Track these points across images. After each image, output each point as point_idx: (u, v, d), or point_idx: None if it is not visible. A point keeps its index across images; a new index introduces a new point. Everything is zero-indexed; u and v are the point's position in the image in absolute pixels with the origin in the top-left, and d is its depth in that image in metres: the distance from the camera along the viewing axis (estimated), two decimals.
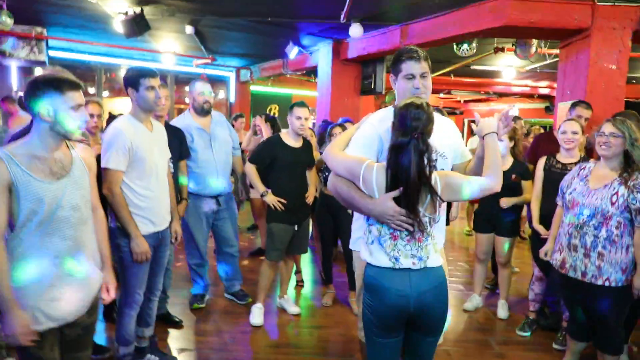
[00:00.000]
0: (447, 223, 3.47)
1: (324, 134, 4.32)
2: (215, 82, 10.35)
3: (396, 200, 1.79)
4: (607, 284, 2.54)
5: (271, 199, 3.54)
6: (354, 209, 2.03)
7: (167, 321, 3.52)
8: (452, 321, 3.91)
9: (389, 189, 1.81)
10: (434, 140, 1.95)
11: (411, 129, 1.76)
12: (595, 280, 2.56)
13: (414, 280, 1.84)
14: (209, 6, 5.40)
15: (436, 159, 1.99)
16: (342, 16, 5.08)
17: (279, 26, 6.12)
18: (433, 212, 1.83)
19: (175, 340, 3.39)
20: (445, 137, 2.11)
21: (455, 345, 3.44)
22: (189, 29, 6.28)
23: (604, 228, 2.55)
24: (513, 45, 5.89)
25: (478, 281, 4.12)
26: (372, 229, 1.90)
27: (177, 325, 3.53)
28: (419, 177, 1.76)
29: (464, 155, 2.22)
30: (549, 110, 12.23)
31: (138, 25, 5.32)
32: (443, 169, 2.03)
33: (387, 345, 1.93)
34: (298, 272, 4.59)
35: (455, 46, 5.96)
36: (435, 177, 1.82)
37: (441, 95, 12.58)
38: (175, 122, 3.73)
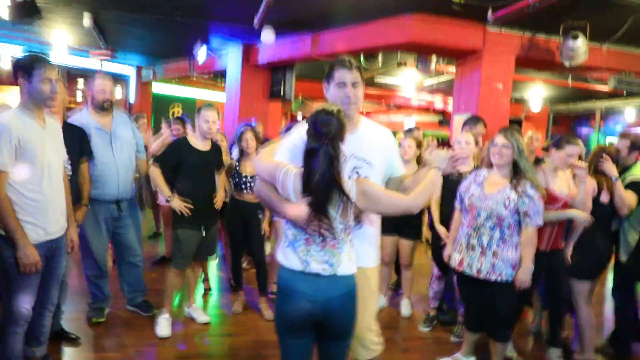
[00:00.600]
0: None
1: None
2: (114, 79, 9.71)
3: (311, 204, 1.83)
4: (499, 279, 2.82)
5: (177, 204, 3.40)
6: (274, 212, 2.06)
7: (62, 338, 3.20)
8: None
9: (304, 193, 1.83)
10: (361, 146, 2.02)
11: (321, 134, 1.78)
12: (489, 276, 2.84)
13: (322, 286, 1.86)
14: None
15: (360, 166, 2.06)
16: (256, 21, 5.06)
17: (188, 25, 5.92)
18: (346, 218, 1.84)
19: (71, 358, 3.10)
20: (375, 145, 2.14)
21: None
22: (87, 21, 5.83)
23: (497, 229, 2.83)
24: (415, 60, 6.31)
25: (383, 283, 4.32)
26: (289, 232, 1.93)
27: (74, 342, 3.22)
28: (328, 182, 1.77)
29: (398, 169, 2.23)
30: (442, 123, 13.25)
31: (26, 10, 4.82)
32: (367, 176, 2.06)
33: (296, 346, 1.97)
34: (206, 279, 4.45)
35: (362, 58, 6.23)
36: (351, 183, 1.84)
37: None
38: (70, 120, 3.41)
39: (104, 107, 3.44)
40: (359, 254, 2.07)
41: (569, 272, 3.28)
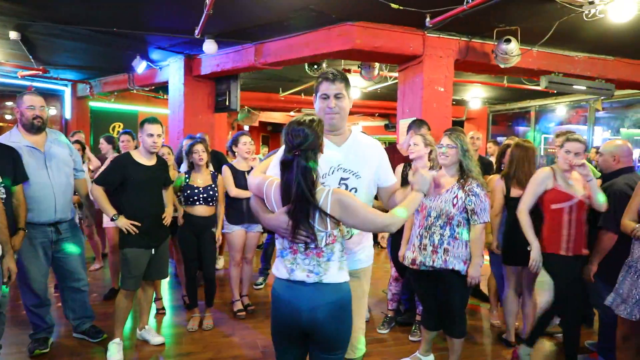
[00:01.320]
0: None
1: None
2: (47, 96, 9.21)
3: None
4: (452, 268, 2.91)
5: (123, 223, 3.25)
6: (262, 224, 2.09)
7: None
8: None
9: (284, 203, 1.87)
10: (349, 158, 2.09)
11: (293, 146, 1.81)
12: (424, 266, 2.96)
13: (306, 294, 1.86)
14: (41, 11, 4.81)
15: (347, 177, 2.10)
16: (197, 32, 4.96)
17: (125, 38, 5.72)
18: (324, 227, 1.84)
19: None
20: (364, 157, 2.16)
21: None
22: (14, 35, 5.50)
23: (447, 227, 2.91)
24: (359, 67, 6.41)
25: None
26: (277, 242, 1.97)
27: None
28: (302, 192, 1.79)
29: (388, 179, 2.24)
30: (388, 127, 13.55)
31: None
32: (356, 188, 2.11)
33: (288, 355, 2.00)
34: (158, 299, 4.28)
35: (307, 66, 6.26)
36: (326, 194, 1.82)
37: (292, 113, 13.05)
38: (0, 140, 3.18)
39: (34, 125, 3.24)
40: (351, 257, 2.13)
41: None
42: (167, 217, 3.55)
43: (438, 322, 3.19)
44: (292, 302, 1.88)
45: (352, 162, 2.12)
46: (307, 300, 1.86)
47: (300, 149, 1.80)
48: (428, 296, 3.15)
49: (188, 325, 3.91)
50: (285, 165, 1.84)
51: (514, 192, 3.47)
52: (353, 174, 2.12)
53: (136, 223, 3.26)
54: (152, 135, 3.32)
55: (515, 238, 3.39)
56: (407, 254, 3.09)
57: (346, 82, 2.12)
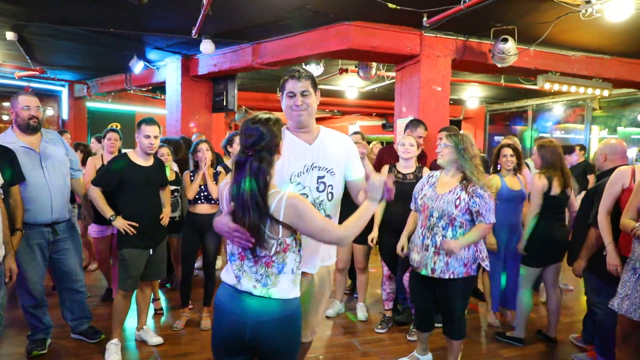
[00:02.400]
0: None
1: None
2: (44, 96, 9.19)
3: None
4: (452, 276, 2.88)
5: (121, 223, 3.25)
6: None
7: None
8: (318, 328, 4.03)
9: (232, 205, 1.78)
10: (321, 155, 2.09)
11: (247, 146, 1.73)
12: (444, 274, 2.88)
13: (253, 307, 1.75)
14: (38, 11, 4.80)
15: (323, 175, 2.12)
16: (194, 32, 4.96)
17: (122, 38, 5.72)
18: (275, 234, 1.72)
19: None
20: (335, 153, 2.18)
21: (324, 351, 3.54)
22: (11, 35, 5.48)
23: (450, 228, 2.87)
24: (356, 67, 6.41)
25: (339, 289, 4.34)
26: (228, 246, 1.88)
27: None
28: (250, 195, 1.70)
29: (353, 172, 2.24)
30: (385, 127, 13.55)
31: None
32: (332, 185, 2.13)
33: None
34: (156, 299, 4.28)
35: (304, 66, 6.25)
36: (279, 198, 1.71)
37: None
38: None
39: (29, 125, 3.23)
40: (322, 254, 2.17)
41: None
42: (165, 218, 3.55)
43: (430, 324, 3.20)
44: (236, 314, 1.77)
45: (325, 159, 2.14)
46: (252, 314, 1.74)
47: (254, 149, 1.72)
48: (422, 299, 3.13)
49: (174, 324, 3.91)
50: (238, 166, 1.74)
51: (554, 190, 3.46)
52: (328, 172, 2.14)
53: (134, 224, 3.26)
54: (148, 136, 3.31)
55: (553, 237, 3.46)
56: (413, 255, 3.03)
57: (312, 80, 2.13)
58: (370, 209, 1.87)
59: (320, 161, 2.13)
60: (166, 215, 3.57)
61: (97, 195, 3.27)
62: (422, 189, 3.06)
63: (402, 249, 3.27)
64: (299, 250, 1.83)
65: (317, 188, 2.12)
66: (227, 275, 1.85)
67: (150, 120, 3.37)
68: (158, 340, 3.59)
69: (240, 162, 1.74)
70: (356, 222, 1.81)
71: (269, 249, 1.74)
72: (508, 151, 3.90)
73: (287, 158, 2.04)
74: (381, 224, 3.81)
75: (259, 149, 1.72)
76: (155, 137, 3.34)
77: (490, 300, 4.15)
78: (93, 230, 4.21)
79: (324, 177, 2.13)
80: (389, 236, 3.72)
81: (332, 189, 2.15)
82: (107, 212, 3.27)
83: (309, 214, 1.72)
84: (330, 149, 2.17)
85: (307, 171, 2.11)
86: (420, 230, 3.01)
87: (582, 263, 3.25)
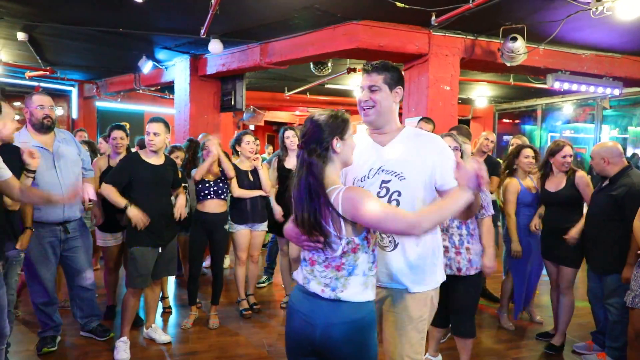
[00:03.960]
0: None
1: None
2: (54, 96, 9.24)
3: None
4: (476, 271, 2.91)
5: (134, 213, 3.24)
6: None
7: None
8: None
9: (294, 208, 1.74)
10: (392, 158, 1.92)
11: (300, 139, 1.74)
12: (469, 271, 2.90)
13: (322, 309, 1.67)
14: (48, 11, 4.84)
15: (389, 180, 1.91)
16: (203, 31, 4.97)
17: (131, 38, 5.75)
18: (341, 232, 1.62)
19: None
20: (410, 156, 1.93)
21: None
22: (22, 36, 5.54)
23: (463, 226, 2.91)
24: (366, 64, 6.37)
25: None
26: (302, 252, 1.82)
27: None
28: (304, 186, 1.65)
29: (445, 181, 1.90)
30: None
31: None
32: (399, 191, 1.90)
33: None
34: (164, 298, 4.31)
35: (312, 65, 6.25)
36: (337, 192, 1.63)
37: (297, 112, 13.07)
38: None
39: (44, 124, 3.27)
40: (395, 274, 1.94)
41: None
42: (178, 209, 3.53)
43: (447, 319, 3.18)
44: (306, 315, 1.70)
45: (397, 162, 1.91)
46: (322, 316, 1.66)
47: (303, 141, 1.70)
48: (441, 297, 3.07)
49: (183, 322, 3.94)
50: (297, 161, 1.73)
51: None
52: (396, 176, 1.91)
53: (145, 220, 3.28)
54: (149, 133, 3.34)
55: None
56: None
57: (387, 72, 1.90)
58: (461, 198, 1.61)
59: (389, 164, 1.92)
60: (179, 207, 3.55)
61: (110, 190, 3.28)
62: None
63: None
64: (372, 251, 1.71)
65: (378, 193, 1.92)
66: (298, 276, 1.80)
67: (153, 119, 3.40)
68: (166, 338, 3.62)
69: (297, 157, 1.73)
70: (437, 211, 1.61)
71: (336, 250, 1.64)
72: (530, 152, 3.83)
73: (355, 161, 1.88)
74: None
75: (305, 141, 1.69)
76: (155, 134, 3.33)
77: (507, 302, 4.13)
78: (100, 238, 3.98)
79: (389, 181, 1.91)
80: None
81: (398, 195, 1.90)
82: (121, 201, 3.26)
83: (365, 201, 1.57)
84: (407, 152, 1.93)
85: (372, 175, 1.94)
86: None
87: (632, 269, 3.00)
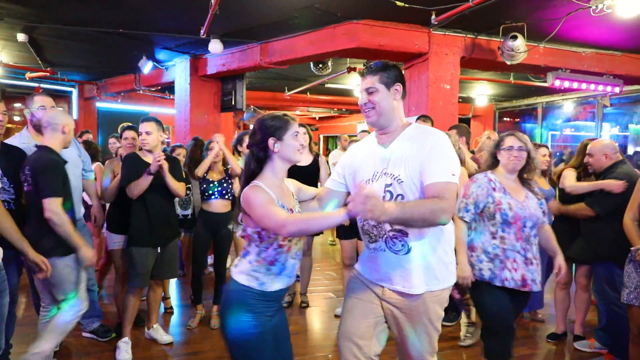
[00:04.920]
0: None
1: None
2: (55, 97, 9.22)
3: None
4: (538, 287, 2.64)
5: (158, 156, 3.22)
6: None
7: None
8: (325, 327, 4.04)
9: None
10: (391, 160, 1.88)
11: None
12: (536, 285, 2.59)
13: None
14: (48, 12, 4.85)
15: (390, 183, 1.88)
16: (202, 31, 4.98)
17: (131, 38, 5.75)
18: (244, 222, 1.91)
19: None
20: (405, 155, 1.87)
21: (333, 350, 3.54)
22: (22, 37, 5.54)
23: (536, 236, 2.66)
24: (364, 65, 6.38)
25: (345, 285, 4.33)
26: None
27: None
28: (244, 185, 1.91)
29: (429, 176, 1.79)
30: None
31: None
32: (402, 195, 1.85)
33: None
34: (166, 298, 4.31)
35: (312, 65, 6.25)
36: (247, 188, 1.86)
37: (297, 112, 13.07)
38: (10, 142, 3.20)
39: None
40: (411, 277, 1.91)
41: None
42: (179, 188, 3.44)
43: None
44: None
45: (395, 164, 1.87)
46: None
47: (248, 142, 1.93)
48: (510, 314, 2.64)
49: (189, 322, 3.94)
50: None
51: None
52: (395, 179, 1.86)
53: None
54: (141, 133, 3.35)
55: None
56: (511, 275, 2.54)
57: (382, 72, 1.88)
58: (331, 218, 1.74)
59: (390, 167, 1.88)
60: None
61: (134, 185, 3.26)
62: (491, 197, 2.60)
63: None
64: (267, 248, 1.86)
65: (384, 197, 1.87)
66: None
67: (144, 118, 3.39)
68: (168, 338, 3.62)
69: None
70: (306, 220, 1.78)
71: (243, 231, 1.88)
72: (545, 151, 3.84)
73: (360, 164, 1.92)
74: None
75: (249, 142, 1.92)
76: (148, 132, 3.31)
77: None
78: (114, 241, 3.65)
79: (390, 185, 1.86)
80: None
81: (402, 198, 1.85)
82: (148, 178, 3.24)
83: (254, 199, 1.78)
84: (406, 152, 1.87)
85: (377, 178, 1.91)
86: (519, 244, 2.57)
87: None
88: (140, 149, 3.49)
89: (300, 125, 4.27)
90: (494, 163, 2.73)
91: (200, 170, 3.84)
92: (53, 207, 2.61)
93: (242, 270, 1.90)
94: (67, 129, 2.87)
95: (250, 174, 1.89)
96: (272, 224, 1.72)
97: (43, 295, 2.95)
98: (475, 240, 2.65)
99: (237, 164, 3.91)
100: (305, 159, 4.10)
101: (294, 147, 1.88)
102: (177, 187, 3.42)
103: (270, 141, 1.85)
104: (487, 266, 2.57)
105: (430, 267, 1.93)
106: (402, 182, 1.85)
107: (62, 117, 2.89)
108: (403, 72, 1.97)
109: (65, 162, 2.84)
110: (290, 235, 1.76)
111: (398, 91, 1.91)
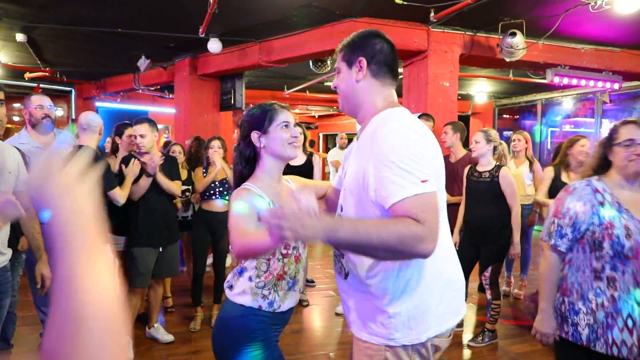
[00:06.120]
0: None
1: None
2: (54, 97, 9.24)
3: None
4: None
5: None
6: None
7: None
8: (326, 325, 4.04)
9: None
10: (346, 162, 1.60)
11: None
12: None
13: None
14: (47, 12, 4.84)
15: (344, 193, 1.51)
16: (201, 31, 4.97)
17: (130, 38, 5.74)
18: None
19: None
20: (355, 159, 1.46)
21: (336, 348, 3.55)
22: (21, 37, 5.53)
23: None
24: None
25: None
26: None
27: None
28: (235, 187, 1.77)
29: (377, 193, 1.29)
30: None
31: None
32: (341, 206, 1.51)
33: None
34: (167, 297, 4.31)
35: (311, 63, 6.25)
36: (236, 191, 1.65)
37: (297, 110, 13.05)
38: (9, 142, 3.20)
39: (43, 124, 3.26)
40: (346, 308, 1.57)
41: None
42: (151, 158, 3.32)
43: None
44: None
45: (347, 166, 1.54)
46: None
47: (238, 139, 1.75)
48: None
49: (190, 325, 3.93)
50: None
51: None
52: (344, 188, 1.50)
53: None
54: (135, 136, 3.34)
55: None
56: (617, 335, 1.73)
57: (344, 48, 1.50)
58: (263, 240, 1.29)
59: (346, 172, 1.52)
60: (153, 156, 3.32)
61: (161, 178, 3.32)
62: (602, 219, 1.77)
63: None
64: (268, 260, 1.61)
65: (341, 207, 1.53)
66: None
67: (137, 120, 3.39)
68: (169, 338, 3.63)
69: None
70: (252, 240, 1.41)
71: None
72: (586, 142, 3.77)
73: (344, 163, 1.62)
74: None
75: (238, 139, 1.72)
76: (142, 135, 3.30)
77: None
78: (115, 243, 3.60)
79: (344, 195, 1.50)
80: (469, 241, 3.63)
81: (340, 210, 1.51)
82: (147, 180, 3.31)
83: (232, 211, 1.52)
84: (356, 152, 1.49)
85: (341, 184, 1.59)
86: (637, 290, 1.74)
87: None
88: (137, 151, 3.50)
89: (296, 124, 4.28)
90: (602, 166, 1.91)
91: (201, 186, 3.84)
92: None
93: (242, 290, 1.61)
94: (102, 131, 2.96)
95: (239, 175, 1.65)
96: (233, 239, 1.46)
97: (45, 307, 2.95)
98: (569, 280, 1.86)
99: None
100: (298, 159, 4.09)
101: (281, 139, 1.60)
102: (171, 186, 3.44)
103: (254, 135, 1.61)
104: (585, 321, 1.78)
105: (363, 307, 1.44)
106: (345, 189, 1.48)
107: (99, 120, 2.97)
108: (380, 43, 1.46)
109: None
110: (237, 256, 1.52)
111: (361, 68, 1.44)
